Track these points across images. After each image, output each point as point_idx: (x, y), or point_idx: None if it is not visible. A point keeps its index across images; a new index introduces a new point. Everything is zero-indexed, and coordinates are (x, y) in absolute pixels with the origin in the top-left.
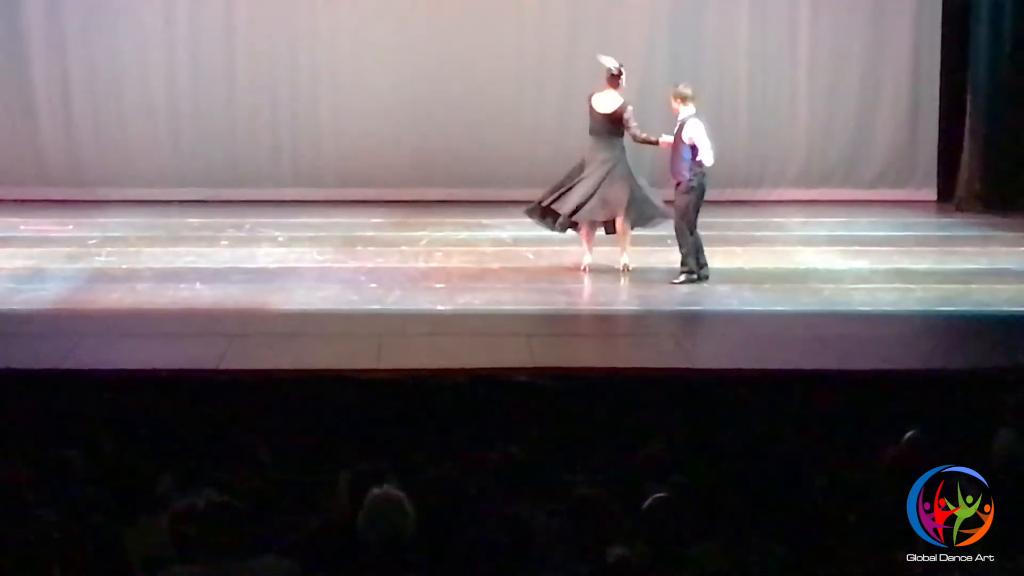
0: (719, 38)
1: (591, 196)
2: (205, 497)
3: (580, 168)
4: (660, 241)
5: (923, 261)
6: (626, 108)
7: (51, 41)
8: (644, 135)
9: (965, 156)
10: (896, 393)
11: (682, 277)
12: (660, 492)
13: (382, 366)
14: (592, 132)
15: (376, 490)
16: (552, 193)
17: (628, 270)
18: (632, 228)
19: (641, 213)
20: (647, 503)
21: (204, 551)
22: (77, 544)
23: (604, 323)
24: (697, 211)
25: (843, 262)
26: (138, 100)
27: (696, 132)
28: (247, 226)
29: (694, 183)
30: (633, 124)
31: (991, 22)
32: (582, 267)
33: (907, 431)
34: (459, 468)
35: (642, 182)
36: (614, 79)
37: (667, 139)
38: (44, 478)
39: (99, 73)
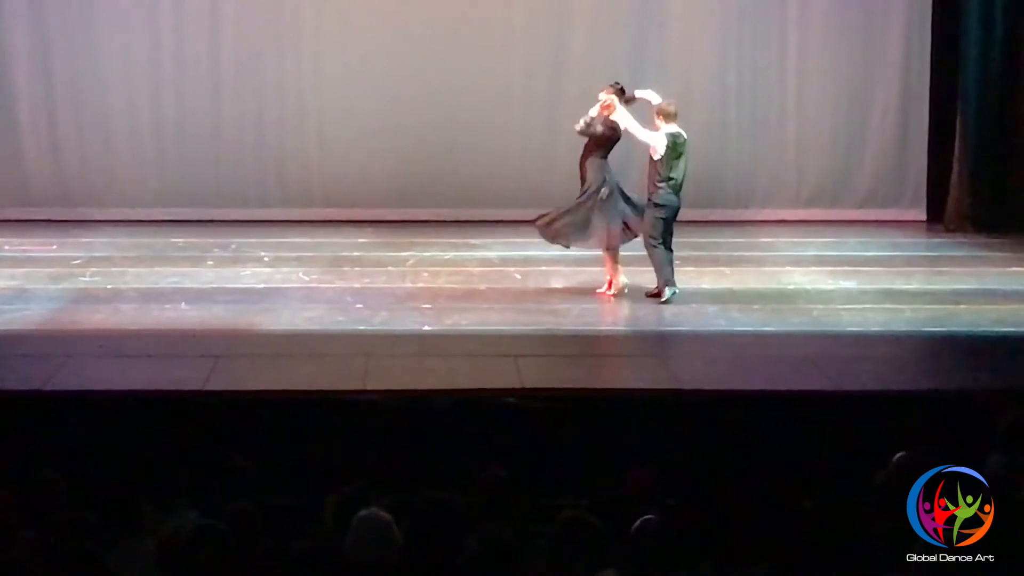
0: (709, 58)
1: (570, 224)
2: (190, 520)
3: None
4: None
5: (912, 281)
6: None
7: (35, 60)
8: (581, 127)
9: (954, 176)
10: (885, 414)
11: (667, 293)
12: (648, 514)
13: (368, 387)
14: None
15: (363, 512)
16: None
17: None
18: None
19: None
20: (635, 525)
21: (189, 575)
22: (61, 568)
23: (592, 344)
24: (667, 229)
25: (832, 282)
26: (123, 119)
27: (657, 137)
28: (233, 246)
29: (660, 200)
30: (577, 127)
31: (981, 43)
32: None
33: (896, 452)
34: (446, 490)
35: (620, 206)
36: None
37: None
38: (27, 500)
39: (84, 92)
